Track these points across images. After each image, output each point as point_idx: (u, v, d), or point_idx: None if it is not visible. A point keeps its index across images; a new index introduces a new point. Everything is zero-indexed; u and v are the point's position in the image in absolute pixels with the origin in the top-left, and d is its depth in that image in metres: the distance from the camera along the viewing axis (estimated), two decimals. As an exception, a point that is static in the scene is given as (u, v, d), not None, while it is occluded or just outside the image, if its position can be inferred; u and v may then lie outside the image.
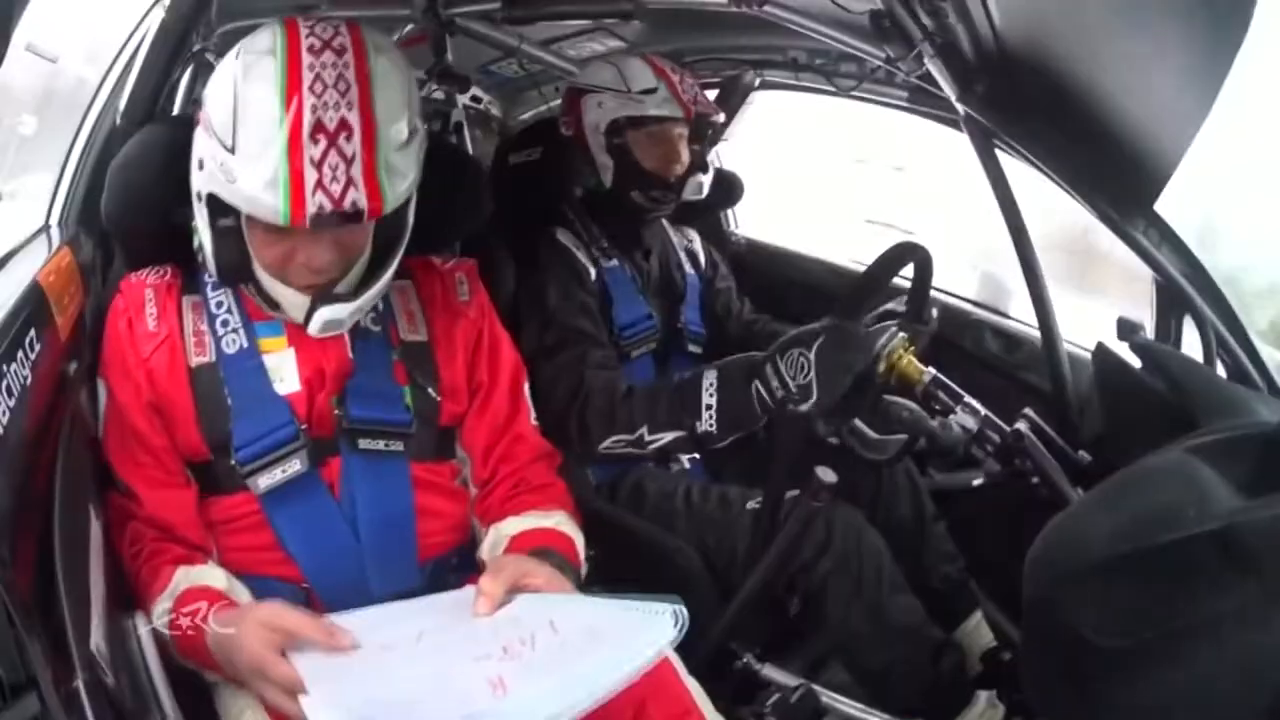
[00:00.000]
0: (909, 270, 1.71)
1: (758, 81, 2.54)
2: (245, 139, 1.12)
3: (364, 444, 1.28)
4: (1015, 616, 1.73)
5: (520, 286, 1.88)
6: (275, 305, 1.26)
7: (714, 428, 1.62)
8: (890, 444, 1.62)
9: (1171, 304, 1.65)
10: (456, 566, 1.34)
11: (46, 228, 1.53)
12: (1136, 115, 1.45)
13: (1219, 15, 1.16)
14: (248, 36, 1.19)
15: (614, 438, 1.69)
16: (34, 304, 1.17)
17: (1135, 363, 1.54)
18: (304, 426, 1.25)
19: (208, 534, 1.25)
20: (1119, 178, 1.54)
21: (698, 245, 2.23)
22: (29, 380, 1.07)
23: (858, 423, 1.61)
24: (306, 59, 1.13)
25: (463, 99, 2.75)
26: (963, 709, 1.63)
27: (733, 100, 2.55)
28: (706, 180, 2.00)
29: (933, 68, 1.64)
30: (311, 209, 1.10)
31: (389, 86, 1.16)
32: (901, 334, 1.58)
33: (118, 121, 1.57)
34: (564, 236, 1.92)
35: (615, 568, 1.39)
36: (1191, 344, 1.60)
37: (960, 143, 1.84)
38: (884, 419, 1.61)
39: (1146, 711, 1.00)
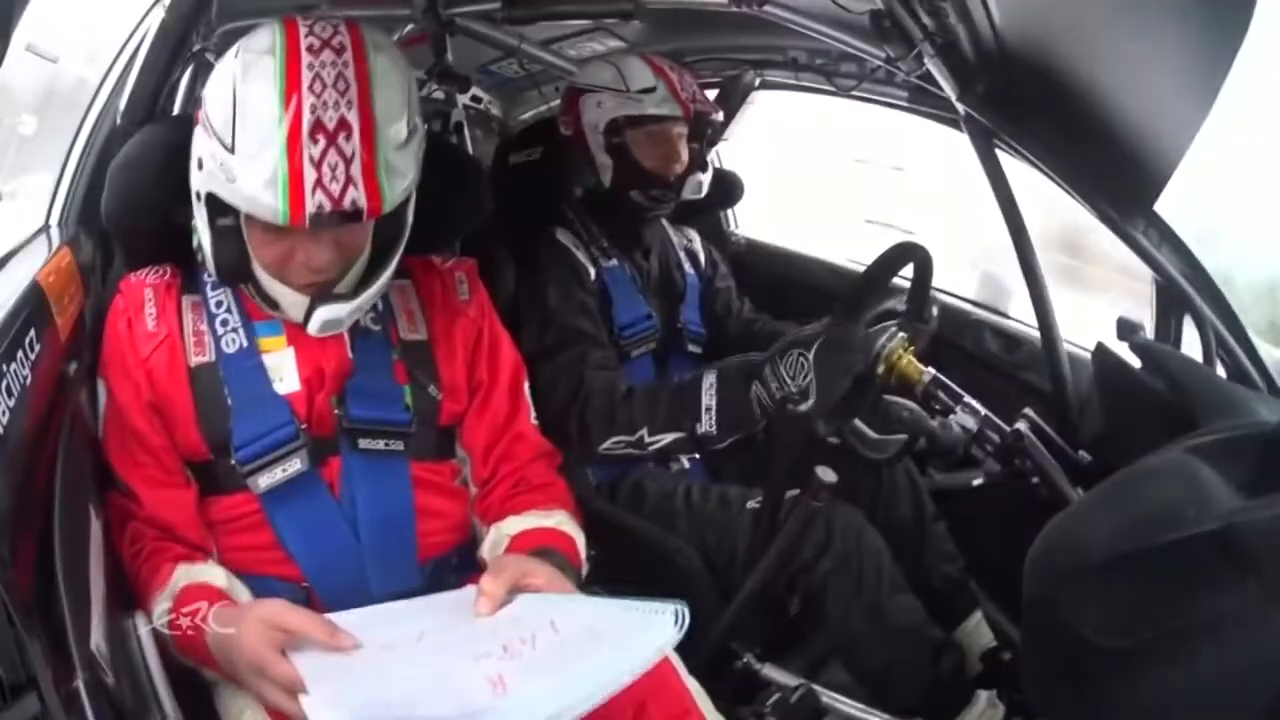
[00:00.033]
0: (909, 270, 1.71)
1: (758, 81, 2.54)
2: (244, 138, 1.12)
3: (364, 444, 1.28)
4: (1015, 616, 1.73)
5: (520, 286, 1.88)
6: (274, 305, 1.26)
7: (714, 429, 1.62)
8: (890, 444, 1.62)
9: (1171, 304, 1.65)
10: (456, 566, 1.34)
11: (46, 228, 1.53)
12: (1136, 115, 1.45)
13: (1219, 15, 1.16)
14: (246, 36, 1.19)
15: (614, 439, 1.69)
16: (34, 304, 1.17)
17: (1135, 363, 1.54)
18: (304, 426, 1.25)
19: (208, 534, 1.25)
20: (1119, 178, 1.54)
21: (698, 245, 2.23)
22: (29, 380, 1.07)
23: (858, 422, 1.61)
24: (306, 58, 1.13)
25: (463, 99, 2.76)
26: (963, 709, 1.63)
27: (733, 100, 2.55)
28: (706, 179, 2.00)
29: (933, 67, 1.64)
30: (311, 208, 1.10)
31: (388, 85, 1.16)
32: (901, 334, 1.58)
33: (118, 121, 1.57)
34: (564, 236, 1.92)
35: (615, 568, 1.39)
36: (1192, 344, 1.61)
37: (960, 143, 1.84)
38: (884, 419, 1.61)
39: (1146, 711, 1.00)
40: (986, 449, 1.55)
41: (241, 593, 1.19)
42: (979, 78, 1.65)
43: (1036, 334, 1.84)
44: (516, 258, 1.91)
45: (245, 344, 1.28)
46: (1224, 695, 0.95)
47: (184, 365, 1.26)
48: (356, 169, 1.11)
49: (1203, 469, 1.02)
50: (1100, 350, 1.65)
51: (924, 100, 2.03)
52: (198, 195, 1.21)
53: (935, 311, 1.75)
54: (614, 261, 1.95)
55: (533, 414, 1.44)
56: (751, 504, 1.69)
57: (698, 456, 1.92)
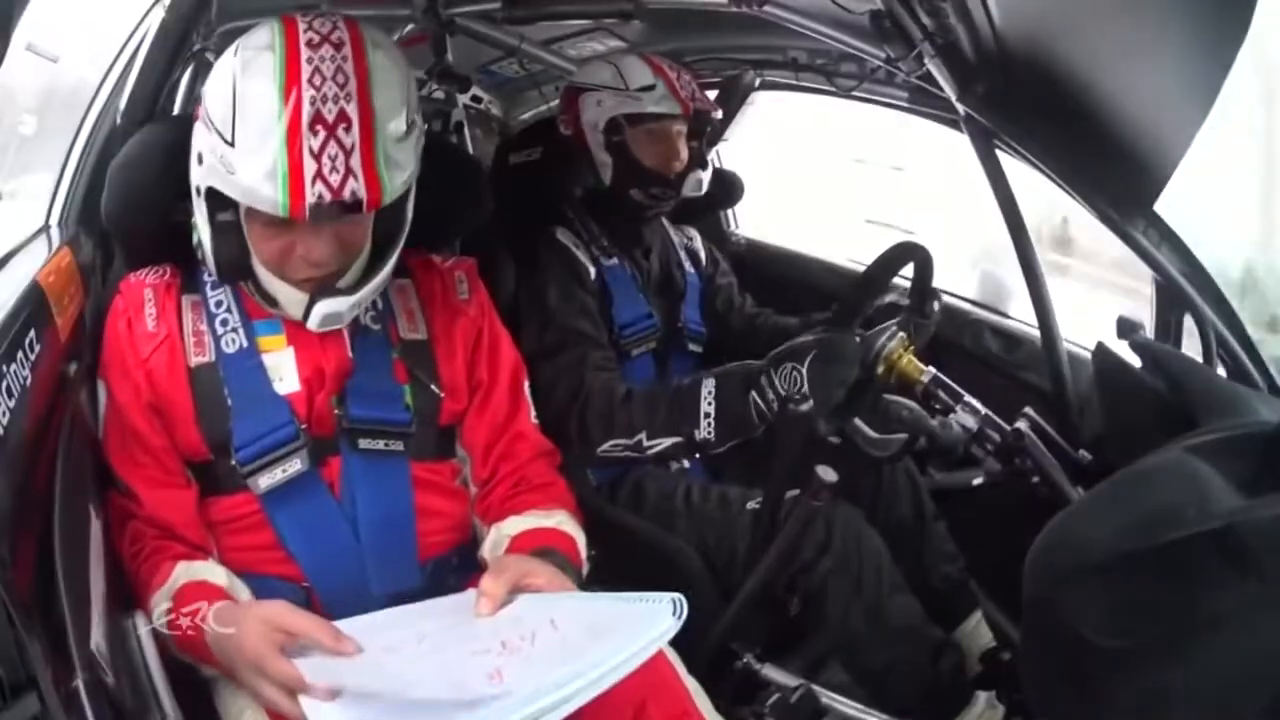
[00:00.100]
0: (909, 269, 1.71)
1: (758, 81, 2.54)
2: (244, 132, 1.12)
3: (364, 443, 1.28)
4: (1015, 616, 1.73)
5: (520, 286, 1.88)
6: (274, 302, 1.26)
7: (712, 435, 1.63)
8: (890, 443, 1.62)
9: (1171, 304, 1.65)
10: (457, 566, 1.33)
11: (46, 228, 1.53)
12: (1136, 115, 1.45)
13: (1219, 15, 1.16)
14: (246, 34, 1.19)
15: (612, 441, 1.69)
16: (34, 304, 1.17)
17: (1135, 362, 1.54)
18: (304, 426, 1.26)
19: (208, 534, 1.25)
20: (1119, 178, 1.54)
21: (698, 243, 2.23)
22: (29, 380, 1.07)
23: (858, 422, 1.62)
24: (305, 53, 1.13)
25: (463, 99, 2.76)
26: (962, 709, 1.63)
27: (733, 100, 2.55)
28: (706, 177, 2.00)
29: (933, 68, 1.64)
30: (311, 199, 1.10)
31: (387, 81, 1.16)
32: (901, 334, 1.58)
33: (118, 121, 1.57)
34: (564, 236, 1.92)
35: (615, 568, 1.39)
36: (1192, 344, 1.60)
37: (960, 143, 1.84)
38: (884, 418, 1.61)
39: (1147, 712, 1.00)
40: (986, 448, 1.55)
41: (241, 591, 1.19)
42: (979, 78, 1.65)
43: (1036, 334, 1.84)
44: (516, 258, 1.91)
45: (245, 344, 1.28)
46: (1224, 695, 0.95)
47: (184, 365, 1.26)
48: (356, 160, 1.12)
49: (1203, 469, 1.02)
50: (1100, 350, 1.65)
51: (924, 100, 2.03)
52: (198, 190, 1.21)
53: (937, 307, 1.75)
54: (614, 260, 1.95)
55: (533, 413, 1.44)
56: (751, 504, 1.69)
57: (698, 456, 1.93)
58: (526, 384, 1.45)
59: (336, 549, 1.25)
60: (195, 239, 1.28)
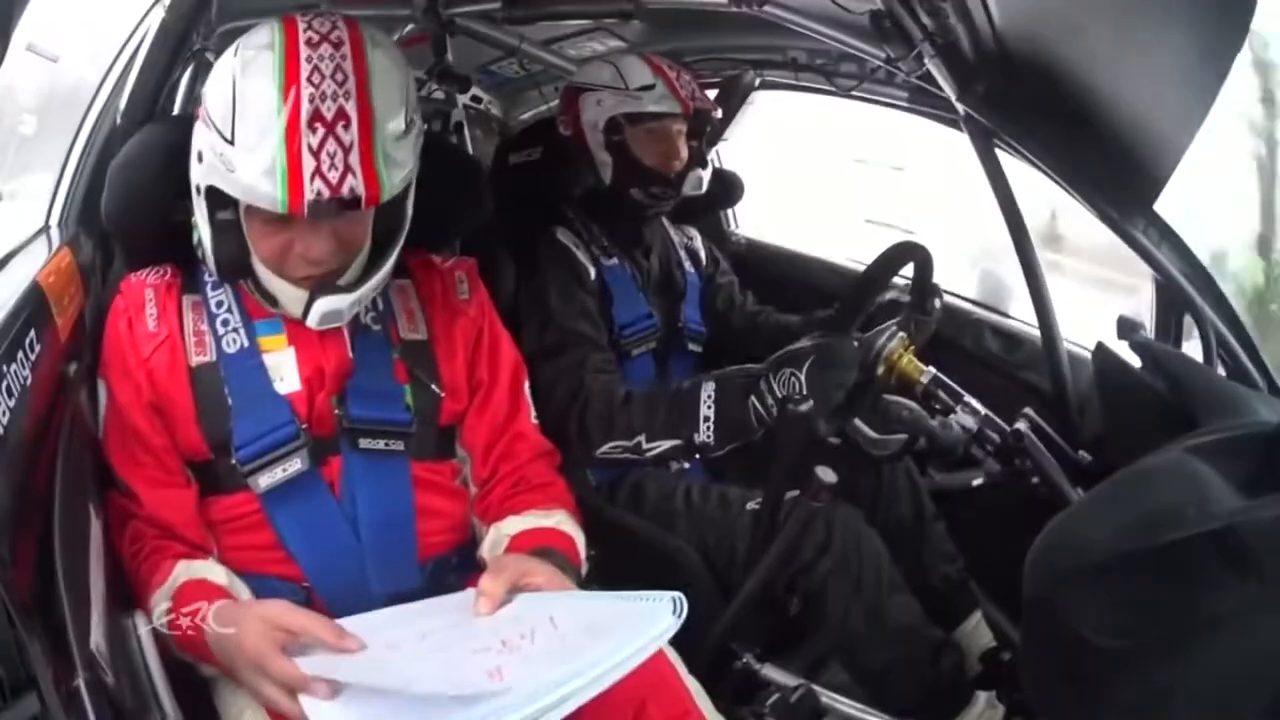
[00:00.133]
0: (909, 269, 1.71)
1: (758, 81, 2.54)
2: (244, 129, 1.12)
3: (364, 443, 1.28)
4: (1015, 616, 1.73)
5: (520, 287, 1.88)
6: (274, 301, 1.26)
7: (711, 439, 1.63)
8: (890, 444, 1.62)
9: (1171, 304, 1.65)
10: (457, 566, 1.34)
11: (46, 228, 1.53)
12: (1136, 115, 1.45)
13: (1219, 15, 1.16)
14: (246, 33, 1.19)
15: (611, 443, 1.69)
16: (34, 304, 1.17)
17: (1135, 362, 1.54)
18: (304, 426, 1.26)
19: (208, 533, 1.25)
20: (1119, 177, 1.54)
21: (698, 243, 2.23)
22: (29, 380, 1.07)
23: (858, 422, 1.62)
24: (304, 51, 1.13)
25: (463, 99, 2.76)
26: (962, 709, 1.63)
27: (733, 100, 2.55)
28: (706, 176, 2.00)
29: (933, 68, 1.64)
30: (309, 195, 1.10)
31: (386, 79, 1.16)
32: (901, 334, 1.58)
33: (118, 121, 1.57)
34: (564, 236, 1.92)
35: (615, 568, 1.39)
36: (1192, 344, 1.60)
37: (960, 143, 1.84)
38: (884, 419, 1.61)
39: (1147, 712, 1.00)
40: (986, 449, 1.55)
41: (242, 590, 1.19)
42: (979, 78, 1.65)
43: (1036, 334, 1.84)
44: (516, 258, 1.91)
45: (246, 344, 1.28)
46: (1224, 695, 0.95)
47: (184, 365, 1.26)
48: (355, 157, 1.12)
49: (1203, 469, 1.02)
50: (1100, 350, 1.65)
51: (924, 100, 2.03)
52: (197, 189, 1.21)
53: (939, 304, 1.75)
54: (614, 260, 1.95)
55: (533, 413, 1.44)
56: (751, 504, 1.68)
57: (697, 457, 1.93)
58: (526, 384, 1.45)
59: (336, 549, 1.25)
60: (195, 238, 1.28)
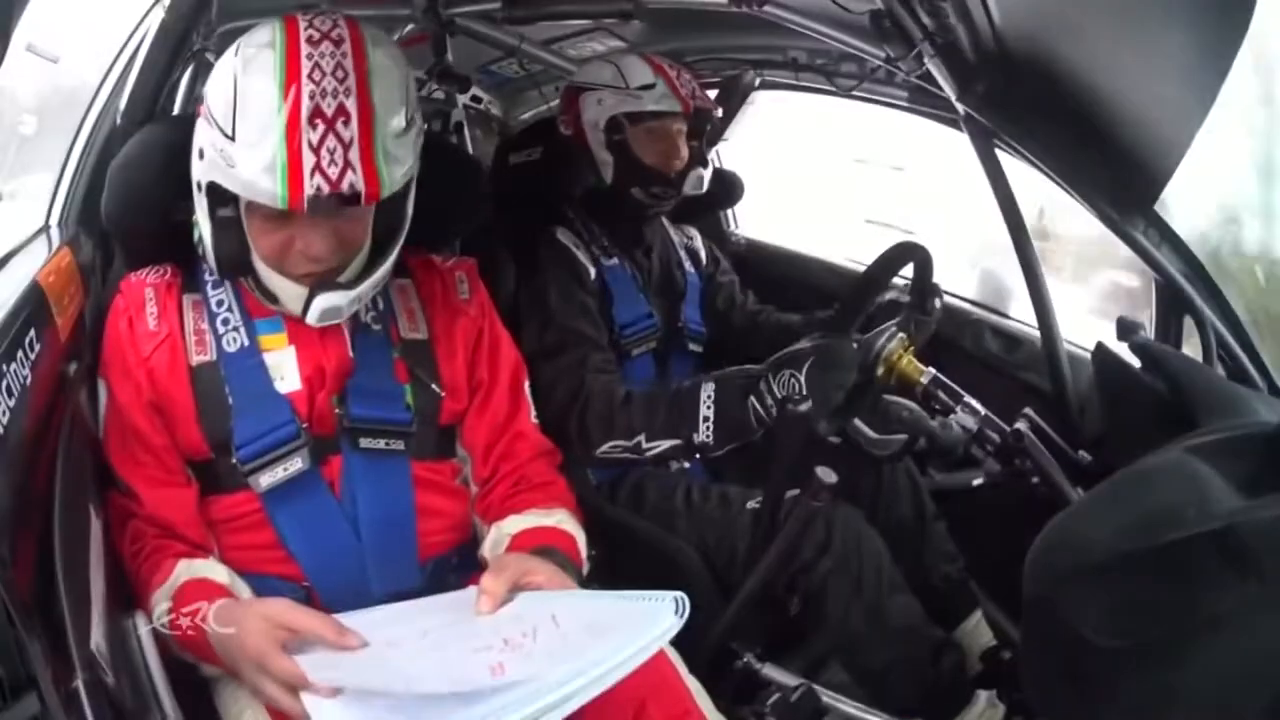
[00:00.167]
0: (908, 269, 1.71)
1: (758, 81, 2.54)
2: (245, 126, 1.13)
3: (365, 443, 1.28)
4: (1015, 616, 1.73)
5: (521, 287, 1.88)
6: (274, 298, 1.26)
7: (711, 439, 1.63)
8: (890, 444, 1.62)
9: (1171, 304, 1.65)
10: (457, 566, 1.34)
11: (46, 228, 1.53)
12: (1136, 115, 1.45)
13: (1219, 15, 1.16)
14: (248, 32, 1.20)
15: (611, 443, 1.69)
16: (34, 304, 1.17)
17: (1135, 362, 1.54)
18: (305, 425, 1.26)
19: (208, 533, 1.25)
20: (1119, 178, 1.54)
21: (698, 243, 2.23)
22: (29, 380, 1.07)
23: (858, 422, 1.62)
24: (305, 49, 1.14)
25: (463, 99, 2.76)
26: (963, 709, 1.63)
27: (733, 100, 2.55)
28: (706, 175, 2.00)
29: (933, 67, 1.64)
30: (309, 191, 1.11)
31: (387, 77, 1.17)
32: (900, 334, 1.58)
33: (118, 121, 1.57)
34: (564, 236, 1.92)
35: (615, 567, 1.39)
36: (1192, 344, 1.61)
37: (960, 143, 1.84)
38: (884, 419, 1.61)
39: (1147, 711, 1.00)
40: (986, 449, 1.55)
41: (243, 589, 1.19)
42: (979, 78, 1.65)
43: (1036, 334, 1.84)
44: (517, 258, 1.91)
45: (246, 343, 1.28)
46: (1224, 695, 0.95)
47: (185, 364, 1.26)
48: (355, 154, 1.12)
49: (1203, 469, 1.02)
50: (1100, 350, 1.65)
51: (924, 100, 2.03)
52: (198, 185, 1.21)
53: (939, 304, 1.75)
54: (614, 260, 1.95)
55: (533, 413, 1.44)
56: (751, 504, 1.69)
57: (698, 457, 1.93)
58: (527, 384, 1.45)
59: (337, 548, 1.25)
60: (196, 235, 1.28)
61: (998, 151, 1.76)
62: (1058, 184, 1.63)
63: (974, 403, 1.56)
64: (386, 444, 1.29)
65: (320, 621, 1.02)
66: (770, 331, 2.08)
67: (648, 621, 0.94)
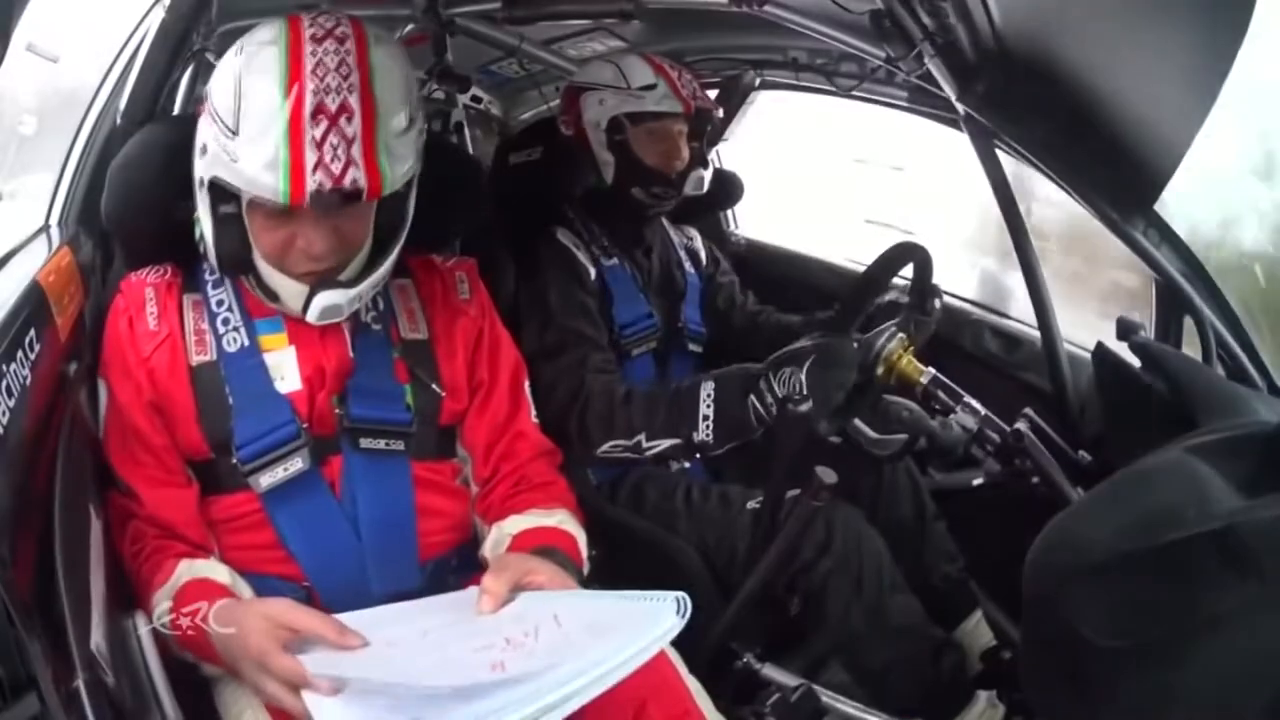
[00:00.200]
0: (908, 270, 1.71)
1: (758, 81, 2.54)
2: (248, 122, 1.13)
3: (365, 443, 1.28)
4: (1015, 616, 1.73)
5: (521, 287, 1.88)
6: (275, 296, 1.26)
7: (710, 438, 1.63)
8: (890, 444, 1.62)
9: (1171, 304, 1.64)
10: (457, 566, 1.34)
11: (46, 228, 1.53)
12: (1137, 115, 1.45)
13: (1219, 15, 1.16)
14: (251, 30, 1.20)
15: (611, 442, 1.69)
16: (34, 304, 1.17)
17: (1135, 362, 1.54)
18: (305, 425, 1.26)
19: (209, 533, 1.25)
20: (1119, 178, 1.54)
21: (698, 243, 2.23)
22: (29, 380, 1.07)
23: (858, 422, 1.62)
24: (309, 46, 1.14)
25: (463, 99, 2.76)
26: (963, 709, 1.63)
27: (733, 100, 2.55)
28: (707, 176, 2.00)
29: (933, 67, 1.64)
30: (311, 187, 1.11)
31: (389, 76, 1.17)
32: (900, 334, 1.58)
33: (118, 121, 1.57)
34: (564, 236, 1.92)
35: (615, 567, 1.39)
36: (1192, 344, 1.61)
37: (960, 143, 1.84)
38: (884, 419, 1.61)
39: (1147, 712, 1.00)
40: (986, 449, 1.55)
41: (244, 589, 1.19)
42: (979, 78, 1.65)
43: (1036, 334, 1.84)
44: (517, 258, 1.91)
45: (246, 343, 1.28)
46: (1224, 695, 0.95)
47: (185, 364, 1.26)
48: (357, 150, 1.13)
49: (1202, 469, 1.02)
50: (1100, 350, 1.65)
51: (924, 100, 2.03)
52: (200, 182, 1.21)
53: (938, 304, 1.75)
54: (615, 260, 1.95)
55: (533, 413, 1.44)
56: (751, 504, 1.69)
57: (698, 457, 1.93)
58: (527, 384, 1.45)
59: (337, 548, 1.25)
60: (198, 233, 1.28)
61: (998, 151, 1.76)
62: (1058, 184, 1.63)
63: (974, 403, 1.56)
64: (387, 444, 1.29)
65: (321, 621, 1.02)
66: (770, 332, 2.09)
67: (649, 621, 0.94)
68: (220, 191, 1.18)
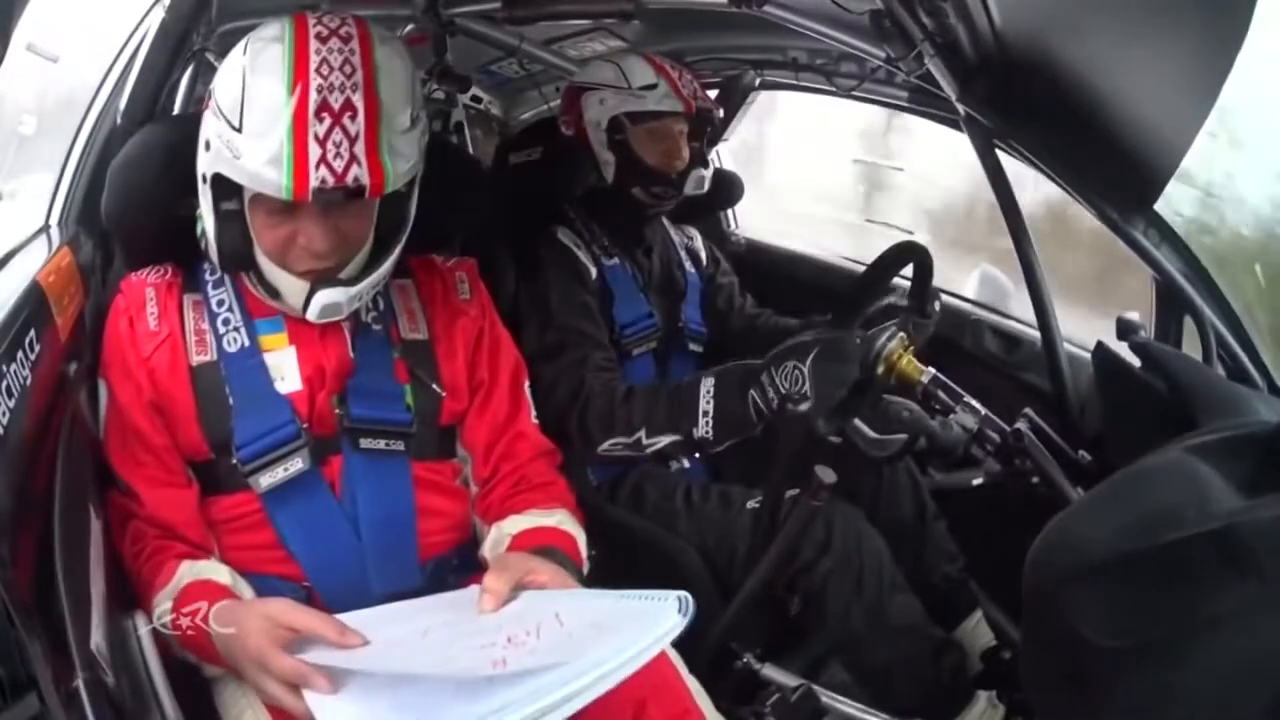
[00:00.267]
0: (908, 271, 1.71)
1: (758, 81, 2.54)
2: (252, 118, 1.14)
3: (365, 443, 1.28)
4: (1015, 616, 1.73)
5: (521, 287, 1.88)
6: (275, 293, 1.27)
7: (710, 434, 1.62)
8: (890, 444, 1.62)
9: (1171, 304, 1.64)
10: (457, 566, 1.33)
11: (46, 228, 1.53)
12: (1136, 115, 1.45)
13: (1219, 15, 1.16)
14: (257, 28, 1.21)
15: (612, 440, 1.69)
16: (34, 304, 1.17)
17: (1135, 362, 1.54)
18: (305, 425, 1.26)
19: (209, 533, 1.25)
20: (1119, 178, 1.54)
21: (699, 243, 2.23)
22: (29, 380, 1.07)
23: (858, 422, 1.61)
24: (314, 44, 1.15)
25: (463, 99, 2.76)
26: (963, 709, 1.63)
27: (733, 100, 2.55)
28: (708, 175, 2.00)
29: (933, 68, 1.64)
30: (314, 183, 1.11)
31: (394, 75, 1.18)
32: (901, 334, 1.58)
33: (118, 121, 1.57)
34: (565, 236, 1.92)
35: (615, 567, 1.39)
36: (1192, 344, 1.61)
37: (960, 143, 1.84)
38: (884, 419, 1.61)
39: (1147, 712, 1.00)
40: (986, 449, 1.54)
41: (245, 590, 1.19)
42: (979, 78, 1.65)
43: (1036, 334, 1.84)
44: (517, 258, 1.91)
45: (247, 343, 1.28)
46: (1224, 695, 0.95)
47: (185, 364, 1.26)
48: (360, 147, 1.13)
49: (1203, 469, 1.02)
50: (1100, 350, 1.65)
51: (924, 100, 2.03)
52: (203, 178, 1.22)
53: (938, 306, 1.75)
54: (615, 260, 1.95)
55: (533, 413, 1.44)
56: (751, 504, 1.69)
57: (697, 456, 1.93)
58: (527, 384, 1.45)
59: (337, 548, 1.25)
60: (200, 229, 1.28)
61: (998, 151, 1.76)
62: (1058, 184, 1.63)
63: (974, 403, 1.56)
64: (387, 444, 1.29)
65: (321, 621, 1.02)
66: (768, 335, 2.08)
67: (651, 621, 0.93)
68: (223, 187, 1.19)
